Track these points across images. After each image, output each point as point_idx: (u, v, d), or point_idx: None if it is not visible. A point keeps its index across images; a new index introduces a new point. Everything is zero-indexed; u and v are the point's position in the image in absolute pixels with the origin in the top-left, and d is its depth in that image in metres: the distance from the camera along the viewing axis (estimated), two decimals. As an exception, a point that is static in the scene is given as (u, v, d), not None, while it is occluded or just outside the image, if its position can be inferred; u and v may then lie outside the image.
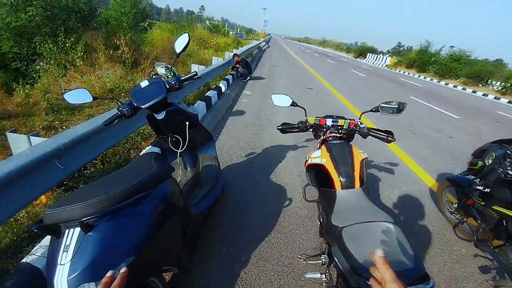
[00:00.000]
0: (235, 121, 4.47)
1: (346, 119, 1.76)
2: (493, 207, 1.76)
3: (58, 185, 1.84)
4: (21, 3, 5.76)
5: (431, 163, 3.79)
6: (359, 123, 1.72)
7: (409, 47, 36.18)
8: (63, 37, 5.56)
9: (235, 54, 8.18)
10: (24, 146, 1.68)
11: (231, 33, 23.37)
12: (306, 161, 1.75)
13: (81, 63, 5.20)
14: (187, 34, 1.72)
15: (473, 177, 2.03)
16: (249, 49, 14.97)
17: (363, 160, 1.55)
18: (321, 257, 1.57)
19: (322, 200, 1.60)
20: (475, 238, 1.95)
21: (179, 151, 1.83)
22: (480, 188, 1.80)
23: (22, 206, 1.50)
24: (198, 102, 4.43)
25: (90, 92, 1.54)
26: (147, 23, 11.45)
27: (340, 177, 1.44)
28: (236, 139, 3.72)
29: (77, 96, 1.53)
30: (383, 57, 28.38)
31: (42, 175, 1.57)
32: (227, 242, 1.93)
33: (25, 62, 5.76)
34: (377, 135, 1.65)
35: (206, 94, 5.13)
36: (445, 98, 10.84)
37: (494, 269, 1.81)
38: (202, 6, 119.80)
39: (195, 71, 1.86)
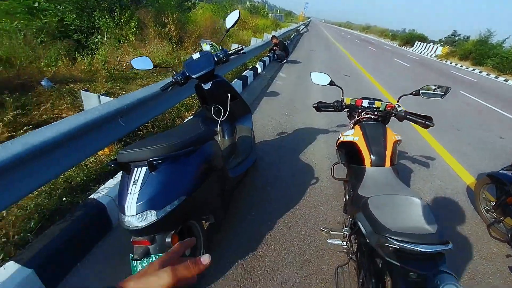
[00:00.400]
0: (269, 102, 4.58)
1: (383, 101, 1.77)
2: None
3: (119, 140, 2.15)
4: (83, -24, 6.23)
5: (472, 161, 3.56)
6: (396, 106, 1.72)
7: (466, 37, 32.09)
8: (118, 12, 6.00)
9: (273, 36, 8.11)
10: (95, 103, 1.98)
11: (270, 15, 22.82)
12: (338, 139, 1.82)
13: (133, 38, 5.61)
14: (237, 11, 1.84)
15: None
16: (287, 32, 14.59)
17: (396, 141, 1.59)
18: (343, 230, 1.68)
19: (351, 177, 1.68)
20: (509, 236, 1.90)
21: (220, 120, 2.01)
22: None
23: (92, 153, 1.81)
24: (235, 80, 4.59)
25: (151, 60, 1.75)
26: (190, 3, 11.66)
27: (371, 155, 1.50)
28: (269, 118, 3.84)
29: (141, 62, 1.76)
30: (433, 47, 25.67)
31: (108, 129, 1.87)
32: (255, 209, 2.11)
33: (85, 35, 6.35)
34: (414, 119, 1.65)
35: (243, 74, 5.26)
36: (502, 95, 9.67)
37: None
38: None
39: (242, 46, 1.99)
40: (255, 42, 7.53)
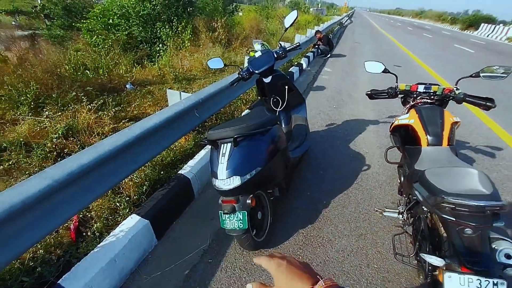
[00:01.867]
0: (316, 95, 4.70)
1: (440, 85, 1.80)
2: None
3: (193, 129, 2.58)
4: (146, -6, 7.15)
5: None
6: (454, 88, 1.75)
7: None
8: (176, 22, 6.75)
9: (317, 31, 8.10)
10: (177, 99, 2.43)
11: (311, 9, 22.42)
12: (392, 123, 1.91)
13: (189, 44, 6.26)
14: (296, 11, 2.08)
15: None
16: (330, 26, 14.23)
17: (454, 123, 1.63)
18: (399, 207, 1.78)
19: (406, 159, 1.77)
20: None
21: (278, 109, 2.27)
22: None
23: (178, 138, 2.23)
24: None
25: (222, 60, 2.10)
26: (233, 6, 12.26)
27: (427, 135, 1.58)
28: (317, 111, 3.98)
29: (215, 62, 2.12)
30: (503, 28, 22.06)
31: (188, 119, 2.28)
32: (311, 189, 2.32)
33: (149, 44, 7.28)
34: (474, 101, 1.66)
35: (289, 70, 5.47)
36: None
37: None
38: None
39: (298, 43, 2.22)
40: (299, 38, 7.64)
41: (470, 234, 1.06)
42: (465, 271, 1.04)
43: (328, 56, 8.03)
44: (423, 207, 1.33)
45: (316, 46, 7.97)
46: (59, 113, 2.60)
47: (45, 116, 2.48)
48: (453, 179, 1.16)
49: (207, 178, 2.28)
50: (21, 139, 2.21)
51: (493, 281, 1.00)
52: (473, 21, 28.79)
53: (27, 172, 1.91)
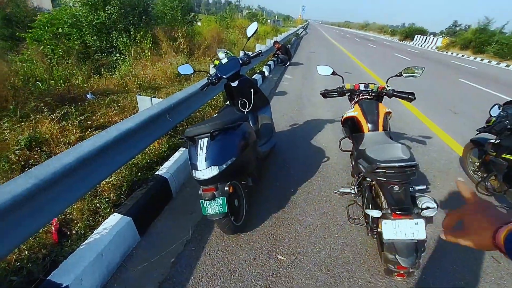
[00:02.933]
0: (279, 100, 5.09)
1: (375, 84, 2.25)
2: (503, 155, 2.12)
3: (166, 133, 2.68)
4: (100, 2, 6.97)
5: (467, 137, 3.95)
6: (386, 86, 2.20)
7: (466, 26, 32.22)
8: (134, 31, 6.67)
9: (275, 42, 8.67)
10: (147, 104, 2.52)
11: (269, 21, 23.60)
12: (342, 117, 2.30)
13: (149, 53, 6.24)
14: (256, 23, 2.37)
15: (491, 135, 2.36)
16: (288, 36, 15.19)
17: (386, 112, 2.05)
18: (351, 187, 2.13)
19: (354, 143, 2.14)
20: (480, 183, 2.33)
21: (245, 111, 2.51)
22: (492, 140, 2.17)
23: (151, 142, 2.32)
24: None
25: (192, 67, 2.28)
26: (191, 16, 12.41)
27: (368, 124, 1.97)
28: (280, 114, 4.34)
29: (185, 69, 2.29)
30: (433, 39, 25.92)
31: (161, 123, 2.39)
32: (279, 180, 2.59)
33: (105, 54, 7.04)
34: (400, 95, 2.12)
35: (252, 77, 5.80)
36: (502, 80, 9.95)
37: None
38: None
39: (260, 50, 2.52)
40: (259, 47, 8.09)
41: (397, 191, 1.42)
42: (395, 217, 1.39)
43: (288, 64, 8.62)
44: (367, 178, 1.68)
45: (276, 55, 8.51)
46: (19, 125, 2.49)
47: (3, 128, 2.36)
48: (384, 152, 1.53)
49: (184, 177, 2.41)
50: (-23, 154, 2.10)
51: (414, 221, 1.35)
52: (408, 33, 33.12)
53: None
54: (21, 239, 1.17)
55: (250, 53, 2.46)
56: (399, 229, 1.37)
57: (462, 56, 19.33)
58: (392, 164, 1.38)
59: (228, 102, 2.76)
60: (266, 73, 6.78)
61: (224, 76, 2.31)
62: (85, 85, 4.35)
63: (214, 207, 1.62)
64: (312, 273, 1.67)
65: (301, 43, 17.73)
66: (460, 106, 5.66)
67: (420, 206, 1.43)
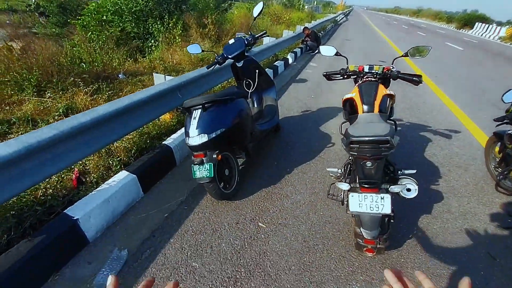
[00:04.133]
0: (297, 87, 5.08)
1: (381, 65, 2.17)
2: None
3: (176, 109, 2.94)
4: (139, -10, 7.45)
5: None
6: (391, 67, 2.12)
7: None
8: (167, 18, 7.08)
9: (305, 28, 8.46)
10: (161, 81, 2.79)
11: (306, 7, 22.77)
12: (342, 98, 2.29)
13: (180, 39, 6.60)
14: (261, 2, 2.44)
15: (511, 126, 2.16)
16: (322, 23, 14.58)
17: (387, 95, 2.00)
18: (342, 168, 2.15)
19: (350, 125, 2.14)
20: (500, 181, 2.15)
21: (250, 91, 2.63)
22: (510, 131, 2.00)
23: (162, 114, 2.60)
24: (266, 69, 5.18)
25: (200, 46, 2.46)
26: (227, 4, 12.57)
27: (363, 105, 1.95)
28: (295, 100, 4.36)
29: (193, 48, 2.48)
30: (496, 28, 22.59)
31: (171, 98, 2.64)
32: (278, 160, 2.70)
33: (142, 40, 7.61)
34: (405, 77, 2.03)
35: (274, 63, 5.83)
36: None
37: None
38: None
39: (265, 31, 2.59)
40: (287, 34, 7.99)
41: (370, 166, 1.45)
42: (363, 191, 1.43)
43: (316, 52, 8.38)
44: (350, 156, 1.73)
45: (304, 42, 8.33)
46: (59, 95, 2.95)
47: (47, 97, 2.83)
48: (363, 128, 1.54)
49: (188, 149, 2.65)
50: (28, 116, 2.57)
51: (380, 196, 1.39)
52: (467, 20, 29.27)
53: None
54: (43, 177, 1.50)
55: (254, 34, 2.55)
56: (365, 202, 1.42)
57: (531, 47, 16.62)
58: (363, 139, 1.40)
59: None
60: (290, 61, 6.73)
61: (229, 56, 2.45)
62: (119, 67, 4.85)
63: (202, 171, 1.82)
64: (288, 242, 1.79)
65: (338, 30, 16.89)
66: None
67: (403, 190, 1.45)
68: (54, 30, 11.60)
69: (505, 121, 2.23)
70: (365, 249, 1.56)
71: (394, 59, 2.17)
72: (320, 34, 10.83)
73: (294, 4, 19.68)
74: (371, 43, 11.93)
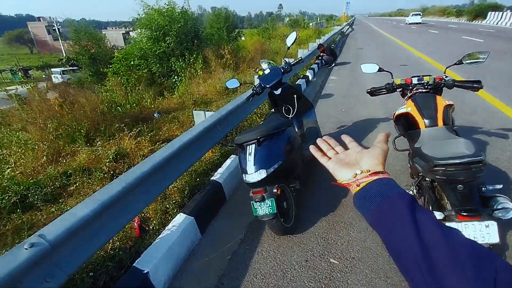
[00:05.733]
0: (324, 103, 5.00)
1: (431, 75, 2.05)
2: None
3: (218, 143, 2.96)
4: (161, 35, 8.04)
5: None
6: (444, 76, 1.99)
7: None
8: (188, 55, 7.50)
9: (320, 45, 8.57)
10: (202, 117, 2.83)
11: (311, 24, 23.34)
12: (394, 114, 2.16)
13: (201, 72, 6.91)
14: (295, 32, 2.47)
15: None
16: (332, 36, 14.76)
17: (447, 105, 1.86)
18: (410, 188, 1.98)
19: (410, 142, 2.00)
20: None
21: (290, 116, 2.59)
22: None
23: (207, 151, 2.60)
24: (291, 89, 5.21)
25: (238, 80, 2.49)
26: (235, 33, 13.19)
27: (424, 119, 1.81)
28: (327, 116, 4.27)
29: (232, 83, 2.52)
30: (510, 14, 21.63)
31: (213, 133, 2.65)
32: (329, 183, 2.56)
33: (166, 77, 8.06)
34: (462, 84, 1.90)
35: (296, 83, 5.86)
36: None
37: None
38: (280, 5, 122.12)
39: (301, 57, 2.60)
40: (301, 53, 8.11)
41: (462, 190, 1.29)
42: (461, 219, 1.26)
43: (333, 65, 8.39)
44: (426, 178, 1.56)
45: (320, 58, 8.38)
46: (108, 142, 3.09)
47: (97, 145, 2.97)
48: (443, 148, 1.40)
49: (236, 182, 2.61)
50: (82, 166, 2.68)
51: (484, 224, 1.21)
52: (478, 11, 28.45)
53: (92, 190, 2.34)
54: (116, 231, 1.49)
55: (291, 61, 2.56)
56: (467, 233, 1.24)
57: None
58: (451, 161, 1.24)
59: (273, 110, 2.89)
60: (310, 77, 6.74)
61: (267, 86, 2.45)
62: (152, 106, 5.09)
63: (264, 208, 1.73)
64: (370, 280, 1.61)
65: (347, 41, 16.96)
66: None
67: (494, 207, 1.27)
68: (87, 79, 12.74)
69: None
70: None
71: (447, 68, 2.06)
72: (333, 46, 10.90)
73: (300, 23, 20.27)
74: (385, 49, 11.78)
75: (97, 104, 3.81)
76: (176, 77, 7.74)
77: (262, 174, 1.72)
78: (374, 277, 1.62)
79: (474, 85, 1.85)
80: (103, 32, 21.49)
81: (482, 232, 1.21)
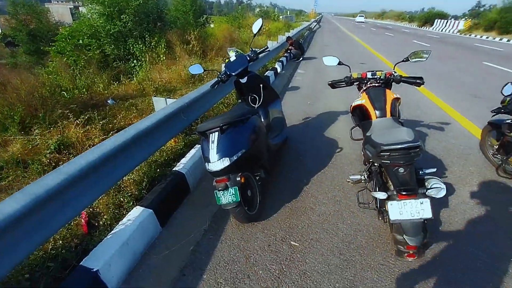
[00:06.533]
0: (291, 95, 5.09)
1: (383, 71, 2.21)
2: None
3: (182, 132, 2.81)
4: (116, 12, 7.30)
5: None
6: (393, 72, 2.16)
7: (491, 6, 29.96)
8: (149, 38, 6.95)
9: (288, 37, 8.64)
10: (162, 105, 2.65)
11: (281, 17, 23.43)
12: (351, 105, 2.28)
13: (164, 58, 6.48)
14: (261, 19, 2.41)
15: (508, 116, 2.25)
16: (300, 31, 15.03)
17: (395, 98, 2.02)
18: (362, 173, 2.11)
19: (363, 131, 2.13)
20: (500, 166, 2.23)
21: (256, 106, 2.57)
22: (508, 121, 2.07)
23: (168, 140, 2.45)
24: (258, 80, 5.18)
25: (202, 66, 2.38)
26: (203, 19, 12.63)
27: (375, 110, 1.96)
28: (293, 109, 4.35)
29: (195, 68, 2.39)
30: (454, 22, 24.48)
31: (175, 122, 2.51)
32: (293, 172, 2.62)
33: (123, 61, 7.39)
34: (408, 80, 2.08)
35: (264, 74, 5.85)
36: (535, 60, 9.19)
37: None
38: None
39: (267, 46, 2.56)
40: (271, 44, 8.11)
41: (402, 172, 1.43)
42: (401, 198, 1.41)
43: (301, 59, 8.55)
44: (375, 163, 1.69)
45: (289, 51, 8.48)
46: (48, 130, 2.73)
47: (35, 134, 2.60)
48: (388, 135, 1.54)
49: (201, 173, 2.51)
50: (16, 157, 2.33)
51: (419, 201, 1.37)
52: (427, 18, 31.46)
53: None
54: (55, 229, 1.32)
55: (257, 49, 2.52)
56: (405, 209, 1.40)
57: (487, 38, 18.07)
58: (394, 147, 1.40)
59: (240, 100, 2.83)
60: (279, 70, 6.79)
61: (233, 73, 2.38)
62: (105, 92, 4.64)
63: (227, 196, 1.70)
64: (325, 258, 1.70)
65: (315, 37, 17.45)
66: (482, 90, 5.33)
67: (428, 187, 1.43)
68: (24, 59, 11.07)
69: (502, 111, 2.32)
70: (406, 254, 1.52)
71: (395, 64, 2.23)
72: (301, 41, 11.10)
73: (270, 15, 20.21)
74: (348, 47, 12.39)
75: (36, 87, 3.32)
76: (135, 61, 7.14)
77: (225, 162, 1.67)
78: (329, 254, 1.72)
79: (417, 81, 2.05)
80: (46, 6, 18.84)
81: (417, 208, 1.38)
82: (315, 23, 29.06)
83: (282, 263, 1.66)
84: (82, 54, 6.86)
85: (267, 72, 6.08)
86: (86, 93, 4.18)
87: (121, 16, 7.27)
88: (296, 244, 1.80)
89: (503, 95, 2.37)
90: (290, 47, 8.39)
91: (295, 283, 1.54)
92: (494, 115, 2.44)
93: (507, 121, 2.24)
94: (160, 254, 1.72)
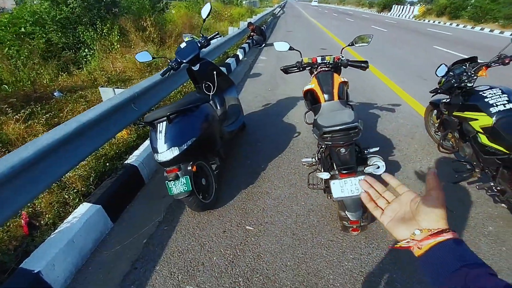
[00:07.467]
0: (253, 82, 5.09)
1: (332, 55, 2.30)
2: (453, 113, 2.26)
3: (134, 123, 2.69)
4: (61, -4, 6.56)
5: (433, 101, 4.12)
6: (341, 57, 2.26)
7: (444, -8, 32.17)
8: (100, 24, 6.39)
9: (249, 23, 8.50)
10: (110, 95, 2.50)
11: (244, 2, 22.85)
12: (303, 90, 2.36)
13: (118, 45, 6.03)
14: (209, 3, 2.35)
15: (446, 96, 2.50)
16: (264, 17, 14.85)
17: (342, 82, 2.13)
18: (314, 156, 2.24)
19: (314, 115, 2.23)
20: (440, 142, 2.49)
21: (211, 94, 2.54)
22: (444, 100, 2.30)
23: (117, 132, 2.35)
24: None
25: (150, 54, 2.27)
26: (163, 4, 11.87)
27: (324, 94, 2.05)
28: (254, 95, 4.37)
29: (142, 56, 2.27)
30: (410, 8, 25.96)
31: (125, 113, 2.40)
32: (250, 158, 2.68)
33: (73, 50, 6.74)
34: (354, 64, 2.19)
35: (226, 61, 5.74)
36: (475, 43, 10.19)
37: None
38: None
39: (217, 31, 2.51)
40: (232, 31, 7.93)
41: (344, 152, 1.53)
42: (342, 177, 1.51)
43: (263, 45, 8.52)
44: (322, 145, 1.79)
45: (251, 37, 8.38)
46: (-19, 128, 2.45)
47: (-36, 133, 2.32)
48: (331, 118, 1.63)
49: (155, 164, 2.46)
50: None
51: (358, 178, 1.48)
52: (386, 4, 32.83)
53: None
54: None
55: (207, 36, 2.46)
56: (346, 187, 1.50)
57: (438, 23, 19.50)
58: (334, 128, 1.49)
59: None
60: (241, 56, 6.71)
61: (184, 61, 2.31)
62: (52, 84, 4.23)
63: (178, 186, 1.69)
64: (279, 238, 1.80)
65: (278, 23, 17.39)
66: (431, 73, 5.75)
67: (369, 164, 1.56)
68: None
69: (439, 91, 2.57)
70: (351, 229, 1.66)
71: (342, 49, 2.32)
72: (263, 27, 11.00)
73: (233, 1, 19.61)
74: (311, 33, 12.58)
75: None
76: (86, 50, 6.55)
77: (174, 151, 1.65)
78: (283, 235, 1.81)
79: (362, 65, 2.17)
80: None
81: (356, 185, 1.50)
82: (279, 9, 28.88)
83: (236, 248, 1.73)
84: (25, 43, 6.11)
85: (228, 59, 5.98)
86: (30, 85, 3.76)
87: (68, 1, 6.56)
88: (251, 228, 1.88)
89: (438, 76, 2.60)
90: (252, 33, 8.29)
91: (248, 266, 1.61)
92: (433, 95, 2.69)
93: (443, 101, 2.48)
94: (111, 250, 1.69)
